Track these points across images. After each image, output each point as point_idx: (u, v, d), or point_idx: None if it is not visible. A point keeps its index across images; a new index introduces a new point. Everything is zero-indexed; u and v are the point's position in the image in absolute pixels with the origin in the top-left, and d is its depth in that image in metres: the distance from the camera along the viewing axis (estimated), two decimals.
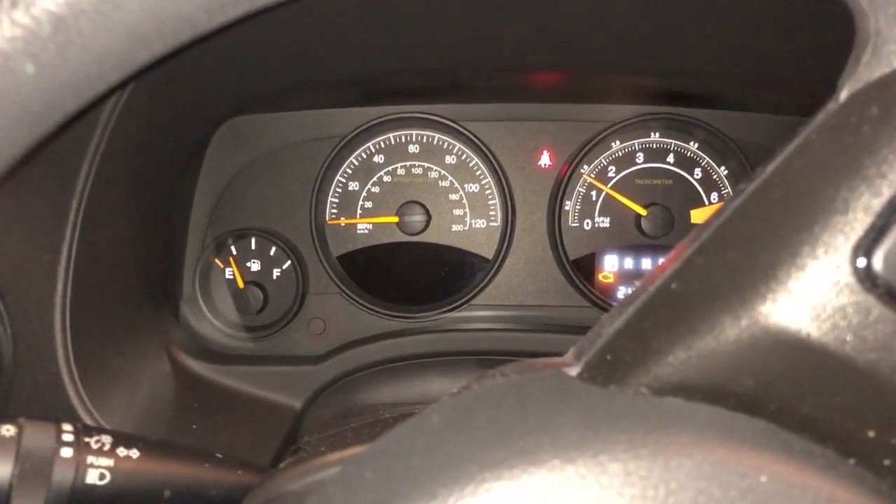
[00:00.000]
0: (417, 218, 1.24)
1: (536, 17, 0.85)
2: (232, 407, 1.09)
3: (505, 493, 0.28)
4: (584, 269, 1.27)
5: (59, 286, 0.77)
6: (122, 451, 0.50)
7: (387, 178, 1.26)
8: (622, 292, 1.29)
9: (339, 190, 1.26)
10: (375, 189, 1.26)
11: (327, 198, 1.25)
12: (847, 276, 0.29)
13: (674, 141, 1.26)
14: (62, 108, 0.35)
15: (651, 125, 1.25)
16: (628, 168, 1.26)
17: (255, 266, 1.24)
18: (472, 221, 1.27)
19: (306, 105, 1.22)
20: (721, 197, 1.27)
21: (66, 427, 0.49)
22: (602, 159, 1.26)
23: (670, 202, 1.25)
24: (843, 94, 0.32)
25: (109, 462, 0.49)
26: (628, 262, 1.28)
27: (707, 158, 1.26)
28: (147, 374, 0.97)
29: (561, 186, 1.24)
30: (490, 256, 1.26)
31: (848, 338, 0.29)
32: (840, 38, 0.37)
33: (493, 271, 1.25)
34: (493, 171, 1.25)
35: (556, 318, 1.27)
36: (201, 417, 1.00)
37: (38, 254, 0.76)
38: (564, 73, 1.14)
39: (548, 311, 1.28)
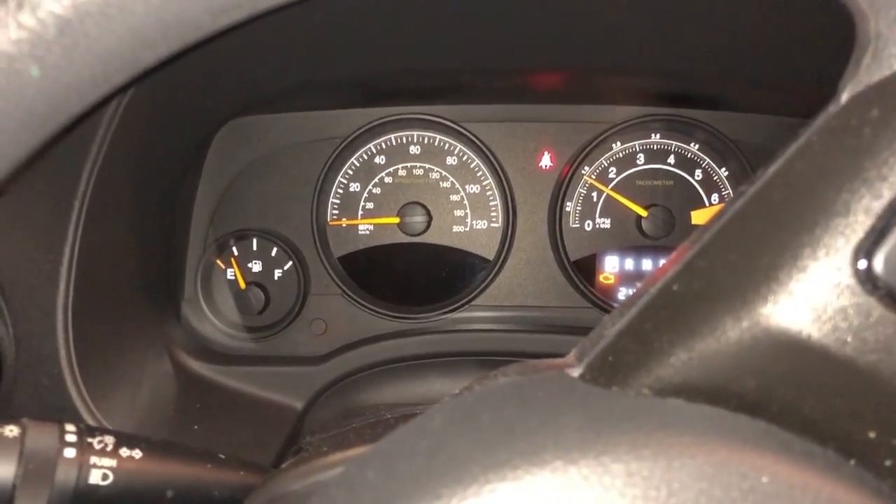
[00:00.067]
0: (418, 219, 1.25)
1: (537, 18, 0.85)
2: (233, 407, 1.09)
3: (508, 493, 0.28)
4: (584, 269, 1.27)
5: (62, 287, 0.77)
6: (124, 452, 0.50)
7: (388, 179, 1.26)
8: (623, 293, 1.29)
9: (341, 191, 1.26)
10: (376, 190, 1.26)
11: (329, 199, 1.26)
12: (848, 278, 0.29)
13: (674, 142, 1.26)
14: (67, 111, 0.36)
15: (652, 126, 1.25)
16: (629, 169, 1.27)
17: (256, 267, 1.24)
18: (473, 222, 1.27)
19: (308, 106, 1.22)
20: (722, 198, 1.27)
21: (70, 427, 0.49)
22: (603, 160, 1.26)
23: (671, 203, 1.25)
24: (844, 97, 0.32)
25: (112, 462, 0.49)
26: (629, 263, 1.28)
27: (708, 159, 1.26)
28: (149, 375, 0.97)
29: (562, 187, 1.24)
30: (491, 257, 1.26)
31: (849, 339, 0.30)
32: (841, 40, 0.37)
33: (493, 272, 1.25)
34: (494, 172, 1.25)
35: (557, 319, 1.27)
36: (203, 418, 1.00)
37: (41, 254, 0.76)
38: (565, 75, 1.14)
39: (548, 311, 1.28)
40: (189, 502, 0.52)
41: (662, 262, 1.09)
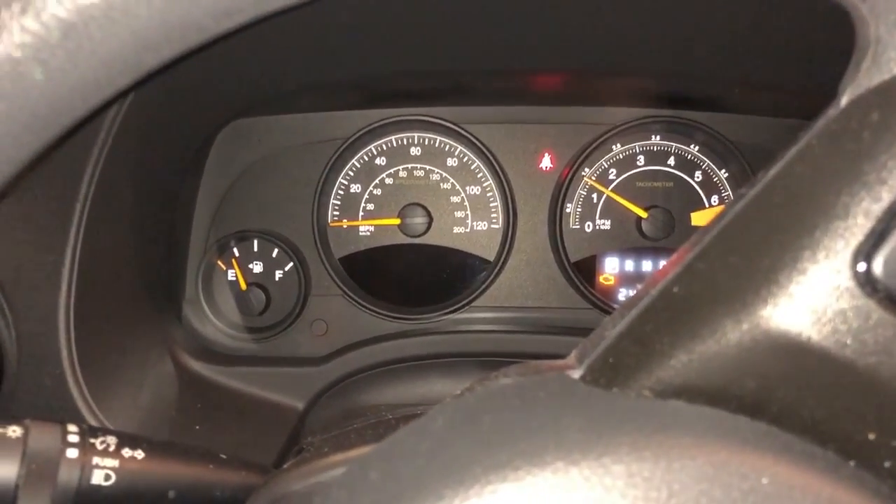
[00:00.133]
0: (419, 220, 1.25)
1: (538, 20, 0.85)
2: (235, 408, 1.09)
3: (509, 494, 0.28)
4: (584, 271, 1.27)
5: (63, 288, 0.77)
6: (127, 452, 0.50)
7: (388, 181, 1.26)
8: (623, 294, 1.29)
9: (342, 192, 1.26)
10: (377, 191, 1.26)
11: (329, 200, 1.26)
12: (847, 281, 0.29)
13: (674, 144, 1.26)
14: (70, 113, 0.36)
15: (652, 128, 1.26)
16: (629, 170, 1.27)
17: (257, 268, 1.24)
18: (474, 223, 1.27)
19: (309, 108, 1.23)
20: (721, 199, 1.27)
21: (72, 428, 0.50)
22: (603, 162, 1.26)
23: (671, 205, 1.26)
24: (844, 100, 0.32)
25: (115, 463, 0.49)
26: (629, 265, 1.28)
27: (708, 161, 1.27)
28: (150, 376, 0.98)
29: (562, 189, 1.24)
30: (491, 258, 1.27)
31: (848, 341, 0.30)
32: (841, 42, 0.37)
33: (494, 273, 1.25)
34: (495, 174, 1.25)
35: (557, 320, 1.27)
36: (204, 418, 1.00)
37: (43, 256, 0.76)
38: (566, 76, 1.15)
39: (549, 312, 1.28)
40: (191, 502, 0.53)
41: (662, 263, 1.09)
